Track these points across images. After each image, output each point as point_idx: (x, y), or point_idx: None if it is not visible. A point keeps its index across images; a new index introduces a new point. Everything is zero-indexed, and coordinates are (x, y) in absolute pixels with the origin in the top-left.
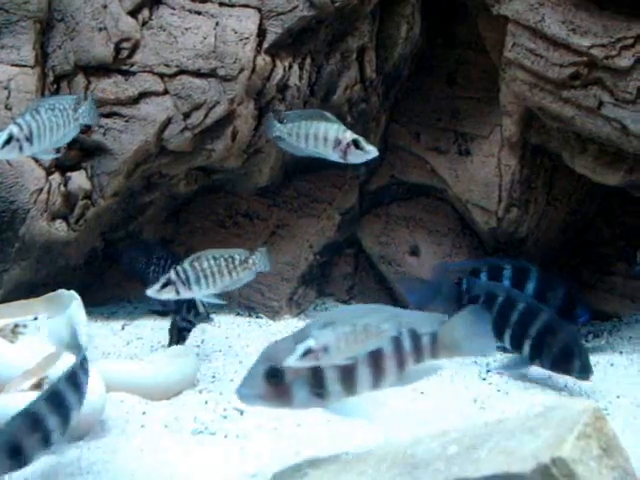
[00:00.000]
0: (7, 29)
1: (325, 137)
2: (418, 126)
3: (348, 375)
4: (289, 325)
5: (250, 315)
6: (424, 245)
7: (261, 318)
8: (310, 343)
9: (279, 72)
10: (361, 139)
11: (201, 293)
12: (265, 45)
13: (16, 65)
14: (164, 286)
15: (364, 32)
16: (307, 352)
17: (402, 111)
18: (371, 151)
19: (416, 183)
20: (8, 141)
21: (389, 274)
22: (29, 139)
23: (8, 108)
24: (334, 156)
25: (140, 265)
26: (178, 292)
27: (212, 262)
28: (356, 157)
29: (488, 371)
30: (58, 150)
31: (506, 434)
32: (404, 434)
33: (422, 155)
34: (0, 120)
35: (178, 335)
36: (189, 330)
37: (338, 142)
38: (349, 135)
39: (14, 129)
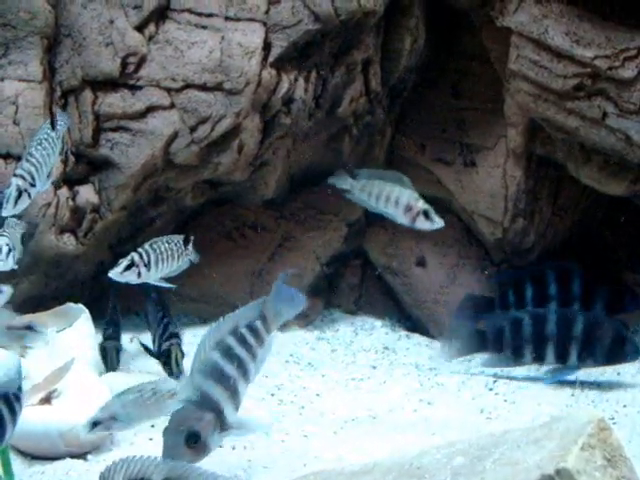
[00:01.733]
0: (14, 45)
1: (397, 201)
2: (423, 138)
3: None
4: (296, 336)
5: None
6: (430, 256)
7: None
8: (97, 415)
9: (285, 85)
10: (431, 210)
11: (157, 276)
12: (270, 59)
13: (24, 80)
14: (127, 268)
15: (369, 45)
16: (96, 423)
17: (407, 123)
18: (438, 223)
19: (422, 194)
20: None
21: (395, 285)
22: (33, 184)
23: (16, 123)
24: (403, 220)
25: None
26: (140, 275)
27: (167, 245)
28: (423, 225)
29: (495, 381)
30: None
31: (511, 445)
32: (410, 445)
33: (428, 166)
34: (8, 135)
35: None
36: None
37: (409, 208)
38: (421, 204)
39: (19, 182)
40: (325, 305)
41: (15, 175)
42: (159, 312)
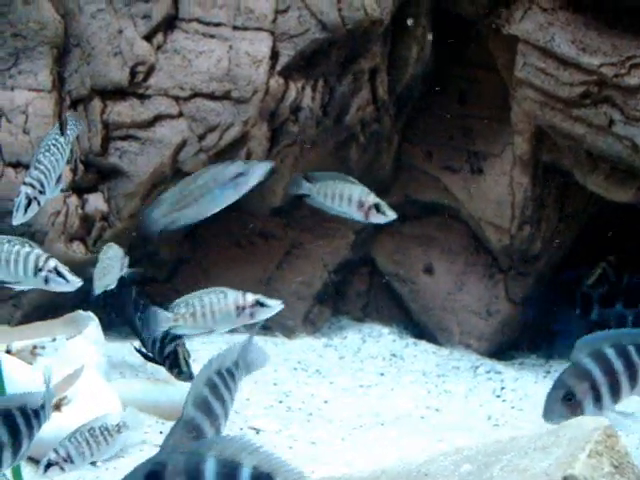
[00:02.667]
0: (24, 55)
1: (349, 198)
2: (430, 145)
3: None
4: (304, 344)
5: (266, 334)
6: (438, 263)
7: (277, 337)
8: (50, 455)
9: (292, 94)
10: (382, 203)
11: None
12: (278, 67)
13: (33, 90)
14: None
15: (376, 54)
16: (49, 465)
17: (414, 130)
18: (391, 215)
19: (429, 202)
20: (28, 204)
21: (403, 292)
22: (42, 191)
23: (26, 132)
24: (358, 216)
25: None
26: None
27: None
28: (377, 219)
29: (503, 388)
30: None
31: (519, 452)
32: (418, 452)
33: (435, 174)
34: (19, 144)
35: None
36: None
37: (361, 204)
38: (372, 199)
39: (28, 190)
40: (333, 312)
41: (24, 183)
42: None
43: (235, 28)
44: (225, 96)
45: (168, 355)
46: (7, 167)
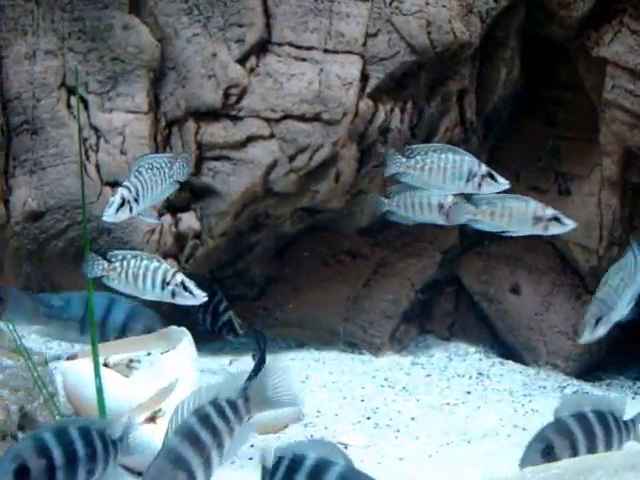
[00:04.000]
0: (122, 78)
1: (429, 205)
2: (518, 166)
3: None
4: (391, 361)
5: (353, 351)
6: (525, 283)
7: (364, 354)
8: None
9: (381, 115)
10: (461, 204)
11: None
12: (368, 90)
13: (131, 112)
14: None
15: (464, 76)
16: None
17: (502, 151)
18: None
19: None
20: (121, 204)
21: (490, 312)
22: (137, 200)
23: (123, 153)
24: (441, 220)
25: None
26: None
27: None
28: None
29: None
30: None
31: (608, 470)
32: (505, 470)
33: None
34: (116, 164)
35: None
36: None
37: (441, 206)
38: (449, 200)
39: (124, 192)
40: (419, 331)
41: (122, 185)
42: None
43: (326, 51)
44: (315, 118)
45: (223, 324)
46: (105, 186)
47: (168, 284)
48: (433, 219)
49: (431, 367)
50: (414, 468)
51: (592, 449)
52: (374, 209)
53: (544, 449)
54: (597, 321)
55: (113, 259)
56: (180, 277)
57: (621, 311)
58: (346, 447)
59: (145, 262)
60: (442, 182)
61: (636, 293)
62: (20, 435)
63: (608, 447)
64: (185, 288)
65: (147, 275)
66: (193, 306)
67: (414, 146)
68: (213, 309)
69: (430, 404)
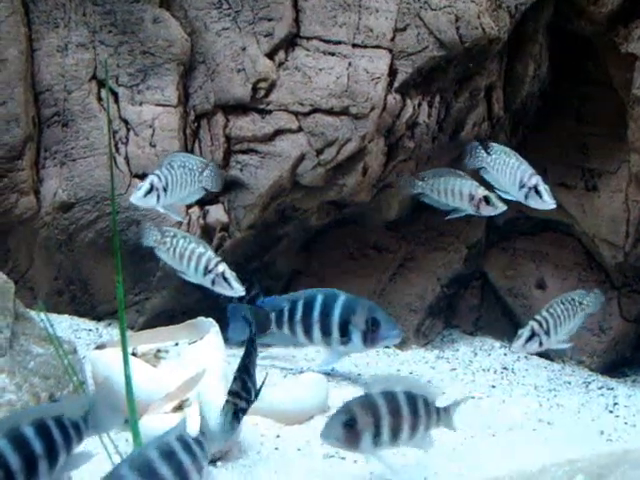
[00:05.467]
0: (153, 71)
1: (460, 192)
2: (545, 162)
3: None
4: (416, 355)
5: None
6: (550, 279)
7: (389, 348)
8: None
9: (409, 110)
10: (491, 196)
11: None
12: (396, 84)
13: (160, 105)
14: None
15: (492, 71)
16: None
17: (529, 147)
18: (500, 207)
19: (543, 218)
20: (149, 191)
21: (515, 307)
22: (165, 190)
23: (152, 145)
24: (469, 209)
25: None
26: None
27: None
28: (487, 211)
29: (616, 404)
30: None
31: (632, 464)
32: (530, 463)
33: None
34: (145, 157)
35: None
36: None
37: (472, 197)
38: (481, 191)
39: (154, 179)
40: (444, 325)
41: (152, 173)
42: None
43: (355, 46)
44: (343, 112)
45: None
46: (134, 178)
47: (210, 272)
48: (463, 207)
49: (456, 361)
50: (439, 461)
51: (396, 428)
52: (406, 190)
53: (346, 421)
54: (531, 337)
55: (165, 234)
56: (222, 267)
57: (554, 343)
58: None
59: (192, 245)
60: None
61: (573, 331)
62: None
63: (413, 428)
64: (225, 279)
65: (192, 258)
66: (231, 298)
67: (495, 144)
68: (249, 302)
69: (455, 397)
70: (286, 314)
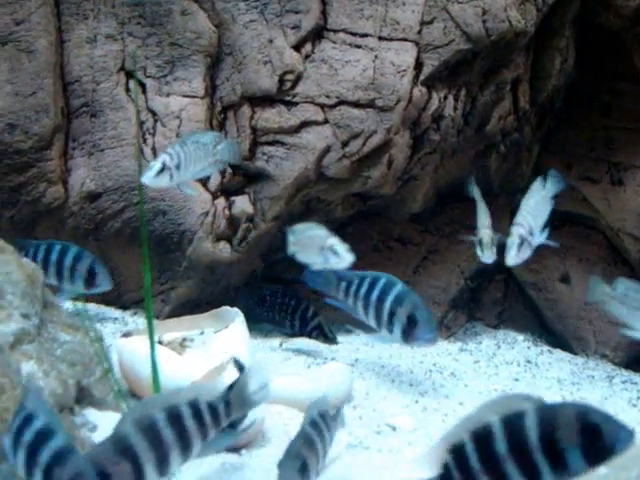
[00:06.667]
0: (180, 63)
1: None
2: (571, 156)
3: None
4: (439, 347)
5: None
6: (575, 273)
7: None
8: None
9: (434, 103)
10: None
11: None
12: (422, 77)
13: (187, 96)
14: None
15: (519, 64)
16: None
17: (555, 141)
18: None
19: (567, 212)
20: (161, 170)
21: (539, 300)
22: (178, 167)
23: (179, 136)
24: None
25: (252, 302)
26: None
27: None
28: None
29: (639, 398)
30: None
31: None
32: None
33: (574, 184)
34: None
35: None
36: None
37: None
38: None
39: (166, 158)
40: (468, 318)
41: (165, 152)
42: (290, 301)
43: (381, 39)
44: (369, 104)
45: (313, 329)
46: None
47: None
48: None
49: (479, 354)
50: None
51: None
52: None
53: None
54: (520, 245)
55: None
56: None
57: (538, 237)
58: (394, 429)
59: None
60: None
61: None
62: (77, 408)
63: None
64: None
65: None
66: (280, 313)
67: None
68: (302, 315)
69: (478, 390)
70: (353, 287)
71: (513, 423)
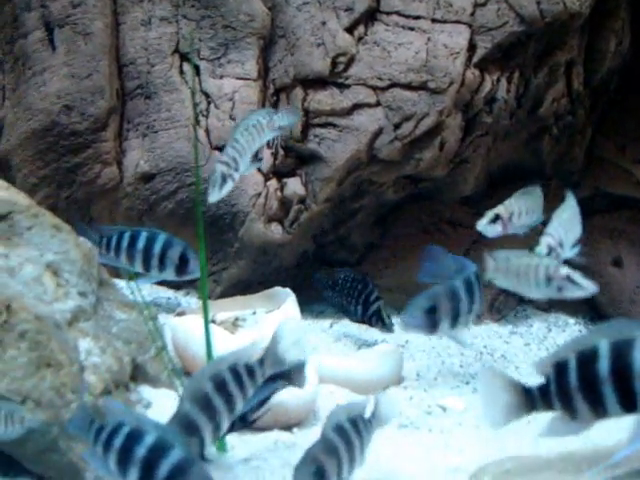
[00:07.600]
0: (233, 45)
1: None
2: (624, 139)
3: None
4: (489, 330)
5: None
6: (627, 256)
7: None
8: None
9: (487, 85)
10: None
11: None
12: (474, 59)
13: (240, 78)
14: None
15: (573, 46)
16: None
17: (608, 124)
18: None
19: (620, 195)
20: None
21: None
22: (237, 169)
23: (232, 118)
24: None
25: (326, 287)
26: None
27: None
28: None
29: None
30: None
31: None
32: (605, 438)
33: (628, 167)
34: (225, 129)
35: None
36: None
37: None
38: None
39: (223, 169)
40: (518, 301)
41: (220, 161)
42: (357, 286)
43: (434, 21)
44: (422, 86)
45: (373, 313)
46: (214, 150)
47: (552, 280)
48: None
49: (530, 337)
50: (511, 434)
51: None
52: None
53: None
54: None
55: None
56: (565, 271)
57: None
58: (445, 410)
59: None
60: None
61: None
62: (132, 385)
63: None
64: (572, 281)
65: (529, 272)
66: (347, 298)
67: None
68: (365, 299)
69: (529, 372)
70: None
71: (620, 348)
